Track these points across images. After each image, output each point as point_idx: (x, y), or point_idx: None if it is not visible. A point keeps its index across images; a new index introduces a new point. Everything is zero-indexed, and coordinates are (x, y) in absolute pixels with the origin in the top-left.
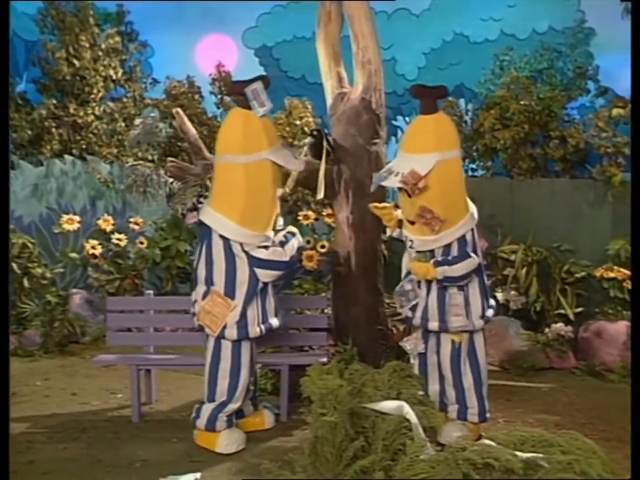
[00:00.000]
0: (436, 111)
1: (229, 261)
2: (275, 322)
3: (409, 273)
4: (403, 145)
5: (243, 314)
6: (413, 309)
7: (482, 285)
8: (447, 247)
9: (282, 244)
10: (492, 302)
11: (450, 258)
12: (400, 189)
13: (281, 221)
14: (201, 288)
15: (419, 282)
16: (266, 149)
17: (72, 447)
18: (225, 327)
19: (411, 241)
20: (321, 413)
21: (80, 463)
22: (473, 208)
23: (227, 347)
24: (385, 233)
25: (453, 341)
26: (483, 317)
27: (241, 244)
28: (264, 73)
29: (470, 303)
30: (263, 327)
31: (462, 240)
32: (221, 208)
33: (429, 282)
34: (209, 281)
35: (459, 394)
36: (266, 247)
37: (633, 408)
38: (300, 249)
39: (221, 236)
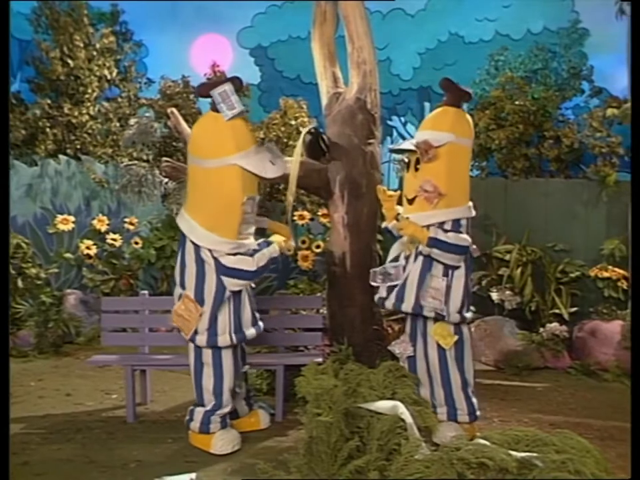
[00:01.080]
0: (459, 107)
1: (199, 267)
2: (250, 332)
3: (395, 260)
4: (421, 126)
5: (213, 321)
6: (390, 290)
7: (466, 283)
8: (441, 225)
9: (253, 252)
10: (472, 308)
11: (445, 228)
12: (407, 165)
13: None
14: (177, 290)
15: (404, 267)
16: (233, 154)
17: (66, 448)
18: (196, 333)
19: (406, 218)
20: (316, 413)
21: (74, 464)
22: (471, 203)
23: (207, 352)
24: (380, 233)
25: (439, 345)
26: (460, 312)
27: (210, 250)
28: (237, 75)
29: (450, 293)
30: (234, 336)
31: (456, 222)
32: (192, 213)
33: (413, 261)
34: (182, 285)
35: (448, 395)
36: (235, 254)
37: (632, 408)
38: (274, 260)
39: (192, 241)
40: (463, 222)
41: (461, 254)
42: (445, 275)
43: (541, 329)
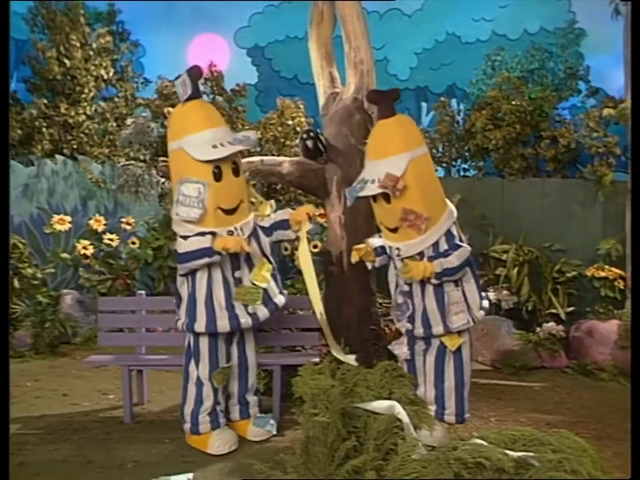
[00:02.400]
0: (394, 113)
1: None
2: (223, 323)
3: (397, 286)
4: (370, 153)
5: (191, 306)
6: (411, 320)
7: (475, 276)
8: (435, 244)
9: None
10: (484, 294)
11: (442, 251)
12: (375, 199)
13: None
14: None
15: (409, 292)
16: (180, 137)
17: (63, 448)
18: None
19: (397, 249)
20: (312, 413)
21: (71, 464)
22: (449, 202)
23: (190, 338)
24: (378, 234)
25: (444, 346)
26: (481, 307)
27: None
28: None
29: (468, 297)
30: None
31: (449, 234)
32: None
33: (422, 287)
34: None
35: (439, 394)
36: (185, 238)
37: (632, 408)
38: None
39: None
40: (453, 229)
41: (467, 265)
42: (457, 285)
43: (538, 329)
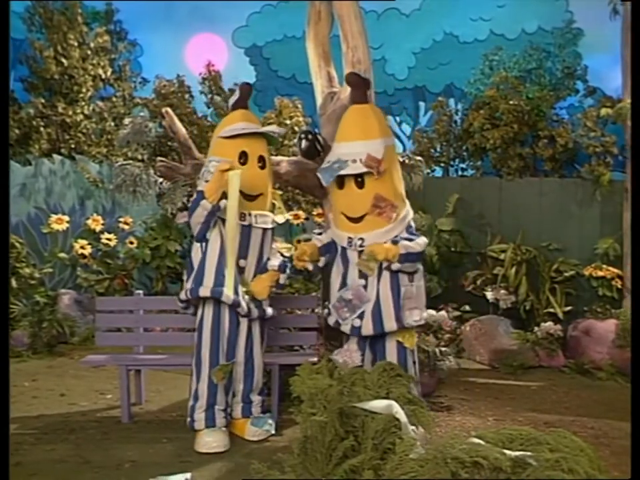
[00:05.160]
0: (368, 101)
1: None
2: (227, 294)
3: (344, 283)
4: (346, 134)
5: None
6: (361, 316)
7: (424, 276)
8: (396, 236)
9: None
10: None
11: (405, 236)
12: (341, 185)
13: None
14: None
15: (365, 286)
16: (218, 133)
17: (60, 448)
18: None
19: (360, 239)
20: (310, 412)
21: (68, 464)
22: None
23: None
24: (316, 231)
25: (401, 345)
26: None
27: None
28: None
29: (419, 295)
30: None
31: (409, 227)
32: None
33: (377, 281)
34: None
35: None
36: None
37: (632, 408)
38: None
39: None
40: (412, 223)
41: (421, 259)
42: (411, 281)
43: (536, 328)
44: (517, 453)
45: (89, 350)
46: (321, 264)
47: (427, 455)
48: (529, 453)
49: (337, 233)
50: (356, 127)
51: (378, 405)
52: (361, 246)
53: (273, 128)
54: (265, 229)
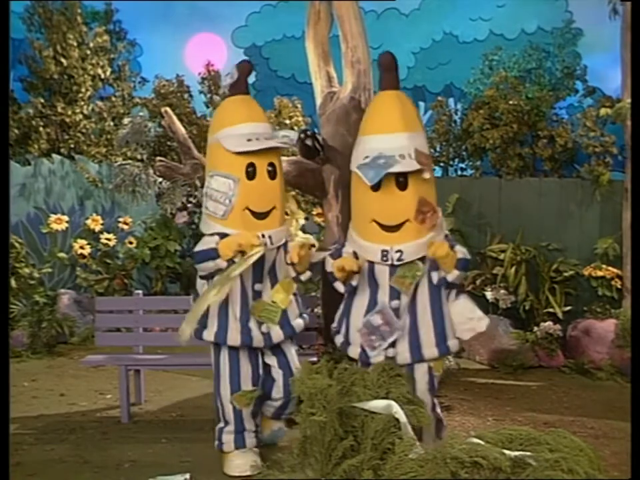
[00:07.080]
0: (399, 87)
1: None
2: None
3: (371, 304)
4: (385, 125)
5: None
6: (393, 344)
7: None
8: None
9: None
10: None
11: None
12: (378, 187)
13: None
14: None
15: (397, 308)
16: (218, 131)
17: (60, 448)
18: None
19: (398, 252)
20: (310, 412)
21: (68, 464)
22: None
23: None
24: (336, 245)
25: (431, 370)
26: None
27: None
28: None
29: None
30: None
31: (446, 234)
32: None
33: (413, 302)
34: None
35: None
36: (212, 235)
37: (633, 408)
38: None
39: None
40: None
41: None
42: (457, 295)
43: (535, 328)
44: (517, 453)
45: (88, 350)
46: (354, 282)
47: (427, 455)
48: (528, 453)
49: (364, 245)
50: (396, 117)
51: (377, 404)
52: (399, 259)
53: (285, 133)
54: (279, 246)
